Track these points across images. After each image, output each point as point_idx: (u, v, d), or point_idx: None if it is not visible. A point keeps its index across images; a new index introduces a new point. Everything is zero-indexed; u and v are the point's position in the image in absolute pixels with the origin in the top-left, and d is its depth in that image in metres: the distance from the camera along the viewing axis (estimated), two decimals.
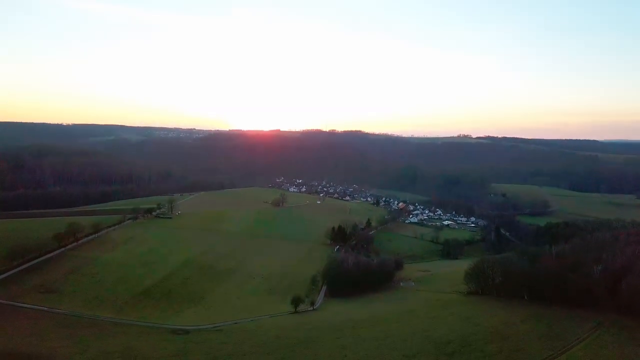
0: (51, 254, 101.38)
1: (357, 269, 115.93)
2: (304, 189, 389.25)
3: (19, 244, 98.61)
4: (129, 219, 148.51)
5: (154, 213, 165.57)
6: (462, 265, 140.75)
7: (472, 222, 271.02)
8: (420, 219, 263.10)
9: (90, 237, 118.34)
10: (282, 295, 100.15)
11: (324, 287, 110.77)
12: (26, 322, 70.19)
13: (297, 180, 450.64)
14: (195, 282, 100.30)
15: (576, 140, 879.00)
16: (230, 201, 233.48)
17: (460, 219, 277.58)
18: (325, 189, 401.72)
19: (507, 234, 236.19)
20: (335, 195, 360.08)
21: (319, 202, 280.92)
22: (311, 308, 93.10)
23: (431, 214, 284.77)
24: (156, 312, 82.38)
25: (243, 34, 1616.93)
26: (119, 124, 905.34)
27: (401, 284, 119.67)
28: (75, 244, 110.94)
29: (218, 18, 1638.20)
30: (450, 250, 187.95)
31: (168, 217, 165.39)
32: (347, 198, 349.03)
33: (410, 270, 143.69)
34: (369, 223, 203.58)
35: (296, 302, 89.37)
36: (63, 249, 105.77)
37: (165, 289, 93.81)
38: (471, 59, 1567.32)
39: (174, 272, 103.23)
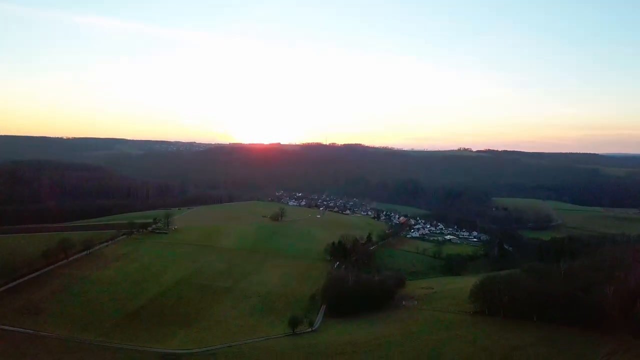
0: (39, 272, 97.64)
1: (357, 286, 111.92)
2: (303, 203, 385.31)
3: (5, 262, 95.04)
4: (123, 234, 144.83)
5: (149, 228, 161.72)
6: (466, 282, 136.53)
7: (474, 237, 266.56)
8: (422, 234, 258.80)
9: (81, 254, 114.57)
10: (279, 315, 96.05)
11: (324, 306, 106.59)
12: (7, 346, 66.39)
13: (297, 194, 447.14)
14: (188, 302, 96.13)
15: (576, 153, 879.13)
16: (228, 215, 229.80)
17: (462, 233, 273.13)
18: (325, 203, 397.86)
19: (510, 248, 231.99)
20: (335, 209, 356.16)
21: (318, 216, 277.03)
22: (310, 329, 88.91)
23: (432, 229, 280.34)
24: (146, 335, 78.22)
25: (244, 50, 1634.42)
26: (120, 138, 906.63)
27: (403, 302, 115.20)
28: (65, 261, 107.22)
29: (219, 34, 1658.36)
30: (453, 265, 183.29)
31: (164, 233, 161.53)
32: (347, 212, 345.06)
33: (413, 287, 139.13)
34: (369, 238, 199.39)
35: (294, 323, 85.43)
36: (52, 266, 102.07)
37: (156, 309, 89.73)
38: (470, 73, 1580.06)
39: (166, 291, 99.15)
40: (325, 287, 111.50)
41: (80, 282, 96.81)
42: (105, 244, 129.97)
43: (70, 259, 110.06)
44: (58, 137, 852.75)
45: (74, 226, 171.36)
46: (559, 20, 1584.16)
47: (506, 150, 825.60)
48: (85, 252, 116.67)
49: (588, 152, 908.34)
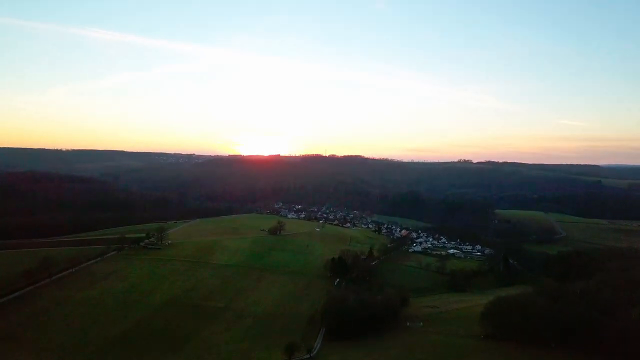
0: (18, 293, 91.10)
1: (359, 307, 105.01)
2: (303, 215, 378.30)
3: None
4: (114, 250, 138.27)
5: (141, 243, 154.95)
6: (472, 301, 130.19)
7: (478, 251, 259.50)
8: (424, 248, 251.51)
9: (66, 272, 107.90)
10: (276, 339, 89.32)
11: (323, 329, 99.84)
12: None
13: (296, 206, 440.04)
14: (178, 325, 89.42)
15: (577, 165, 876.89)
16: (225, 229, 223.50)
17: (465, 247, 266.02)
18: (324, 215, 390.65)
19: (515, 263, 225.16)
20: (335, 222, 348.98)
21: (318, 229, 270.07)
22: (307, 356, 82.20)
23: (435, 242, 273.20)
24: None
25: (244, 62, 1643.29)
26: (119, 150, 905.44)
27: (408, 323, 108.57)
28: (48, 280, 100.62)
29: (220, 46, 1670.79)
30: (457, 282, 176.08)
31: (157, 248, 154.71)
32: (348, 225, 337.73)
33: (417, 305, 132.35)
34: (371, 253, 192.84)
35: (290, 350, 78.77)
36: (33, 286, 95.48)
37: (143, 333, 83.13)
38: (470, 85, 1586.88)
39: (155, 313, 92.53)
40: (325, 308, 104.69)
41: (62, 304, 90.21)
42: (94, 260, 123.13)
43: (54, 277, 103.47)
44: (56, 149, 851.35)
45: (63, 241, 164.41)
46: (560, 31, 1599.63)
47: (506, 162, 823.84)
48: (70, 270, 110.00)
49: (588, 163, 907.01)
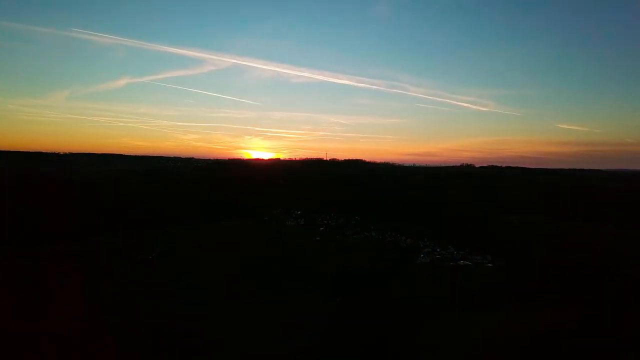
0: None
1: (367, 336, 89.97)
2: (302, 222, 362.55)
3: None
4: (89, 265, 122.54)
5: (121, 257, 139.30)
6: (492, 322, 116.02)
7: (488, 261, 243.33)
8: (432, 259, 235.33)
9: (19, 299, 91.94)
10: None
11: None
12: None
13: (296, 212, 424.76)
14: None
15: (580, 169, 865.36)
16: (219, 238, 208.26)
17: (475, 257, 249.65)
18: (325, 222, 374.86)
19: (528, 274, 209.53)
20: (337, 229, 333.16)
21: (318, 238, 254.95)
22: None
23: (443, 252, 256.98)
24: None
25: (244, 66, 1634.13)
26: (117, 153, 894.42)
27: (423, 355, 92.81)
28: None
29: (218, 51, 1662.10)
30: (472, 299, 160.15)
31: (138, 263, 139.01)
32: (350, 232, 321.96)
33: (432, 330, 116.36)
34: (376, 264, 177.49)
35: None
36: None
37: None
38: (470, 90, 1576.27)
39: None
40: (326, 341, 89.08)
41: None
42: (58, 281, 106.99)
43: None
44: (54, 153, 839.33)
45: (28, 253, 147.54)
46: (562, 33, 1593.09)
47: (509, 166, 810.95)
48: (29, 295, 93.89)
49: (591, 167, 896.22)
